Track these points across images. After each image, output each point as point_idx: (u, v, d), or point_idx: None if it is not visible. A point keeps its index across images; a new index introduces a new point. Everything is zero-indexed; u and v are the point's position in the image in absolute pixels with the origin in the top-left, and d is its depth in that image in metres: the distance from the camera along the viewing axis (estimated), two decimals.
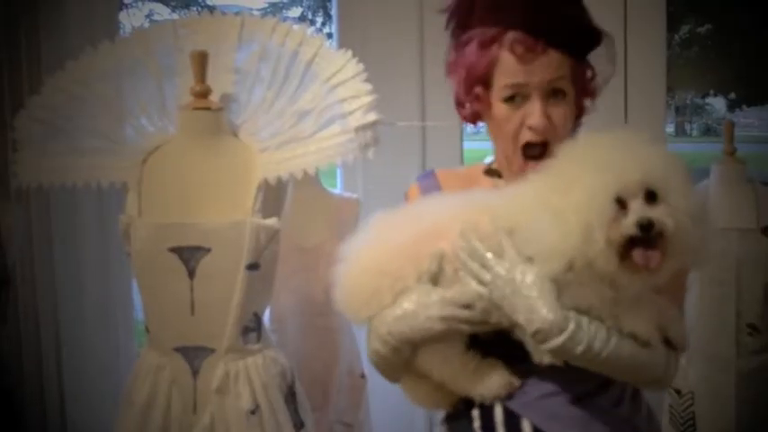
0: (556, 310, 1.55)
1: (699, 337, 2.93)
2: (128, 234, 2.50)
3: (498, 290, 1.59)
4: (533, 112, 1.72)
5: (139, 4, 14.09)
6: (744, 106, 10.96)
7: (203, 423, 2.47)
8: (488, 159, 1.91)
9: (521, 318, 1.57)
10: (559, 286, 1.56)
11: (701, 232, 1.54)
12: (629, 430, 1.77)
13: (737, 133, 3.18)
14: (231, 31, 2.65)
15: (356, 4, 3.77)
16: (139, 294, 2.58)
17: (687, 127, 13.31)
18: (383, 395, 3.50)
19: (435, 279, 1.67)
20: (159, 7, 14.33)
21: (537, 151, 1.73)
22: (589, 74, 1.79)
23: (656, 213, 1.49)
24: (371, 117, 2.42)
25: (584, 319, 1.57)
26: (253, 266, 2.44)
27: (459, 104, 1.87)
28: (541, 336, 1.56)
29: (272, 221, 2.45)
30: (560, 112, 1.73)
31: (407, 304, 1.68)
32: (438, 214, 1.71)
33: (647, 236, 1.49)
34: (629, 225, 1.49)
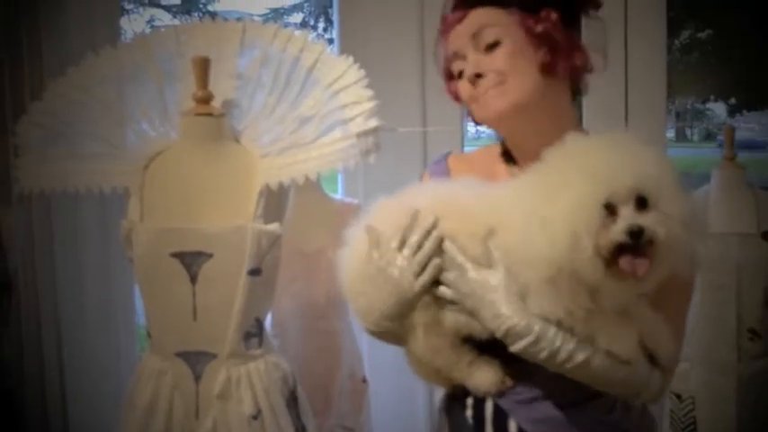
0: (519, 312, 1.58)
1: (699, 341, 2.94)
2: (129, 239, 2.50)
3: (463, 290, 1.63)
4: (467, 66, 1.76)
5: (140, 9, 14.10)
6: (744, 111, 10.95)
7: (205, 428, 2.47)
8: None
9: (489, 323, 1.60)
10: (530, 294, 1.57)
11: (692, 239, 1.52)
12: None
13: (737, 138, 3.19)
14: (233, 37, 2.66)
15: (357, 10, 3.78)
16: (141, 299, 2.59)
17: (688, 132, 13.31)
18: (385, 399, 3.52)
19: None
20: (160, 13, 14.34)
21: (492, 91, 1.73)
22: (539, 27, 1.73)
23: (647, 220, 1.46)
24: (373, 123, 2.43)
25: (552, 329, 1.58)
26: (254, 272, 2.44)
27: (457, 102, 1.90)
28: (507, 338, 1.59)
29: (273, 227, 2.45)
30: (496, 56, 1.73)
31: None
32: (430, 200, 1.71)
33: (637, 243, 1.47)
34: (618, 232, 1.46)
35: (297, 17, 15.47)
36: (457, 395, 1.86)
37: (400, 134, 3.17)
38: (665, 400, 3.09)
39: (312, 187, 3.10)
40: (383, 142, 2.46)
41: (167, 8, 14.41)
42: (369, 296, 1.71)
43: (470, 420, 1.82)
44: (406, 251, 1.67)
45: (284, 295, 3.01)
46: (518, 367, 1.74)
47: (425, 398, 3.72)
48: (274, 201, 2.48)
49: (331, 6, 4.41)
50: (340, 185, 3.82)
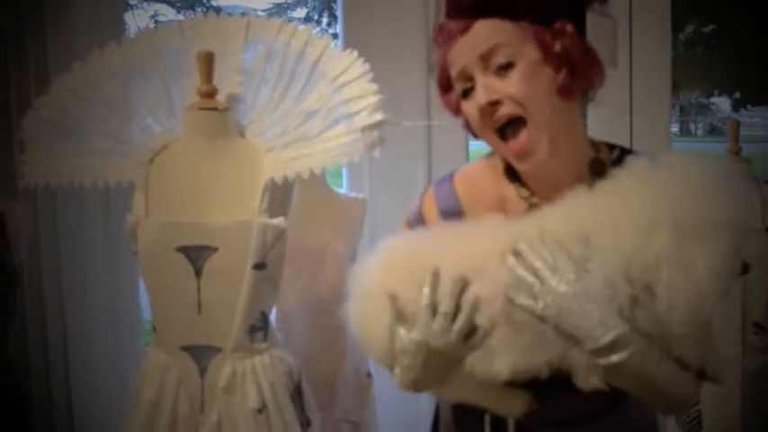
0: (620, 323, 1.48)
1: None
2: (135, 233, 2.51)
3: (554, 306, 1.49)
4: (477, 93, 1.62)
5: (144, 5, 14.11)
6: (749, 106, 10.93)
7: (210, 422, 2.48)
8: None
9: (581, 333, 1.48)
10: (620, 311, 1.49)
11: None
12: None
13: (742, 133, 3.18)
14: (237, 32, 2.66)
15: (361, 5, 3.77)
16: (146, 293, 2.59)
17: (692, 126, 13.30)
18: (389, 394, 3.51)
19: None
20: (164, 8, 14.35)
21: (513, 125, 1.61)
22: (558, 45, 1.60)
23: None
24: (377, 117, 2.42)
25: (641, 337, 1.49)
26: (259, 266, 2.44)
27: (454, 115, 1.78)
28: (606, 350, 1.47)
29: (278, 221, 2.45)
30: (510, 82, 1.58)
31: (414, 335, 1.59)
32: (452, 255, 1.60)
33: None
34: None
35: (300, 12, 15.48)
36: (470, 410, 1.80)
37: (405, 128, 3.17)
38: None
39: (317, 182, 3.10)
40: (388, 136, 2.46)
41: (171, 3, 14.43)
42: (406, 363, 1.62)
43: None
44: (441, 319, 1.53)
45: (289, 290, 3.00)
46: (539, 391, 1.70)
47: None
48: (279, 195, 2.48)
49: (335, 1, 4.41)
50: (345, 180, 3.81)
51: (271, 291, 2.55)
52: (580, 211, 1.55)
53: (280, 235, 2.47)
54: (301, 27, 2.60)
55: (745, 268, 1.51)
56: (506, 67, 1.59)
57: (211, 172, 2.50)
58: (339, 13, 3.91)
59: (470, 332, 1.53)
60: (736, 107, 10.93)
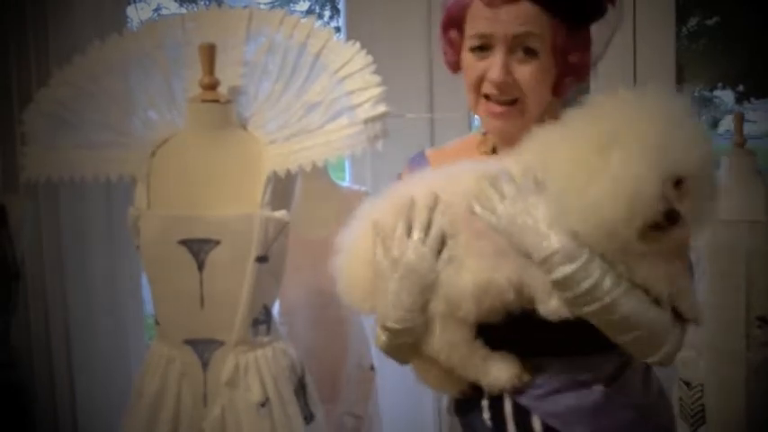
0: (569, 235, 1.53)
1: (708, 329, 2.92)
2: (137, 227, 2.50)
3: (508, 218, 1.57)
4: (494, 66, 1.67)
5: None
6: (752, 98, 10.91)
7: (214, 415, 2.48)
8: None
9: (532, 246, 1.55)
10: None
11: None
12: (639, 417, 1.77)
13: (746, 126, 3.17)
14: (239, 25, 2.65)
15: None
16: (149, 287, 2.59)
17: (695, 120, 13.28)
18: (392, 387, 3.51)
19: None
20: (167, 1, 14.32)
21: (503, 109, 1.70)
22: (575, 56, 1.71)
23: (684, 207, 1.49)
24: (380, 109, 2.41)
25: (597, 257, 1.54)
26: (262, 259, 2.44)
27: (443, 51, 1.83)
28: (553, 262, 1.53)
29: (281, 214, 2.45)
30: (527, 70, 1.67)
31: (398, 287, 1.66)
32: (422, 189, 1.68)
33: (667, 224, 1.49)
34: (659, 213, 1.48)
35: (303, 5, 15.43)
36: (469, 400, 1.82)
37: (408, 120, 3.17)
38: (674, 387, 3.08)
39: (319, 174, 3.10)
40: (390, 129, 2.44)
41: None
42: (388, 293, 1.66)
43: (489, 422, 1.79)
44: (416, 234, 1.64)
45: (291, 283, 3.00)
46: (533, 361, 1.73)
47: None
48: (281, 188, 2.47)
49: None
50: (348, 173, 3.81)
51: (273, 284, 2.54)
52: (545, 144, 1.60)
53: (282, 228, 2.46)
54: (303, 19, 2.58)
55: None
56: (529, 55, 1.66)
57: (213, 165, 2.49)
58: (341, 6, 3.90)
59: (442, 246, 1.63)
60: (740, 100, 10.90)
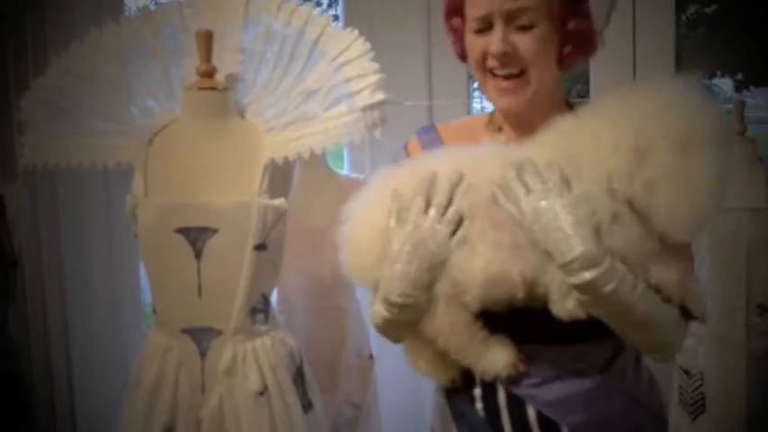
0: (593, 241, 1.52)
1: (708, 317, 2.91)
2: (134, 215, 2.49)
3: (533, 214, 1.56)
4: (493, 40, 1.69)
5: None
6: (751, 87, 10.91)
7: (212, 404, 2.47)
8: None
9: (554, 247, 1.54)
10: (597, 229, 1.54)
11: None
12: (632, 404, 1.77)
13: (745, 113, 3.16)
14: (236, 11, 2.63)
15: None
16: (147, 276, 2.58)
17: None
18: (391, 376, 3.51)
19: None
20: None
21: (510, 83, 1.72)
22: (573, 23, 1.73)
23: None
24: (378, 96, 2.39)
25: (617, 260, 1.53)
26: (260, 247, 2.43)
27: (452, 42, 1.86)
28: (575, 266, 1.52)
29: (279, 202, 2.44)
30: (527, 39, 1.69)
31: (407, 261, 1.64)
32: (447, 166, 1.67)
33: None
34: None
35: None
36: (459, 388, 1.82)
37: (406, 108, 3.16)
38: (674, 375, 3.08)
39: (317, 162, 3.09)
40: (389, 116, 2.43)
41: None
42: (396, 266, 1.64)
43: (482, 413, 1.80)
44: (433, 211, 1.63)
45: (290, 272, 2.99)
46: (528, 350, 1.73)
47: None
48: (280, 176, 2.46)
49: None
50: (346, 161, 3.80)
51: (271, 272, 2.54)
52: (567, 136, 1.62)
53: (280, 216, 2.45)
54: (301, 6, 2.57)
55: None
56: (526, 28, 1.68)
57: (211, 152, 2.48)
58: None
59: (458, 227, 1.62)
60: (739, 88, 10.90)
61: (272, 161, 2.42)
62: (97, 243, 3.67)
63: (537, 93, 1.72)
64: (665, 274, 1.57)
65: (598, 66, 3.44)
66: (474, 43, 1.74)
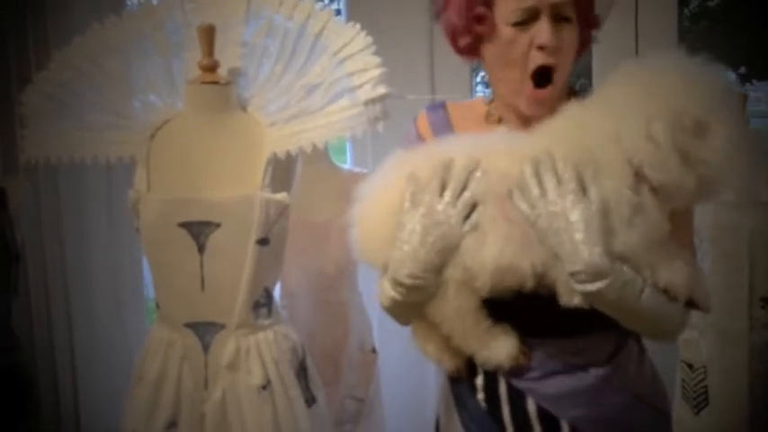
0: (601, 254, 1.52)
1: (711, 310, 2.91)
2: (137, 209, 2.49)
3: (546, 218, 1.56)
4: (543, 31, 1.67)
5: None
6: (754, 80, 10.91)
7: (215, 398, 2.47)
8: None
9: (563, 253, 1.54)
10: (609, 230, 1.54)
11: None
12: (633, 399, 1.78)
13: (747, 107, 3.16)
14: (239, 5, 2.63)
15: None
16: (149, 270, 2.58)
17: None
18: (394, 370, 3.51)
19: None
20: None
21: (546, 79, 1.70)
22: (592, 17, 1.76)
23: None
24: (381, 90, 2.39)
25: (625, 268, 1.54)
26: (263, 241, 2.42)
27: (455, 35, 1.80)
28: (580, 278, 1.53)
29: (281, 196, 2.43)
30: (568, 36, 1.69)
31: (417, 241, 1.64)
32: (462, 154, 1.66)
33: None
34: None
35: None
36: (462, 377, 1.83)
37: (408, 102, 3.14)
38: (677, 369, 3.08)
39: (320, 157, 3.08)
40: (391, 110, 2.43)
41: None
42: (407, 247, 1.64)
43: (483, 404, 1.80)
44: (448, 195, 1.62)
45: (293, 266, 2.99)
46: (530, 343, 1.73)
47: (435, 368, 3.71)
48: (282, 170, 2.46)
49: None
50: (349, 155, 3.80)
51: (274, 267, 2.54)
52: (578, 128, 1.61)
53: (283, 210, 2.45)
54: (303, 0, 2.56)
55: None
56: (566, 20, 1.69)
57: (213, 147, 2.48)
58: None
59: (471, 211, 1.62)
60: (742, 82, 10.90)
61: (275, 155, 2.42)
62: (100, 237, 3.68)
63: (561, 88, 1.72)
64: (674, 277, 1.59)
65: (601, 60, 3.43)
66: (514, 38, 1.69)
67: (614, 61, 1.76)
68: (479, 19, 1.73)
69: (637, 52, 3.62)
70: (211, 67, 2.50)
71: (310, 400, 2.54)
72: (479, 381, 1.80)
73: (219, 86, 2.51)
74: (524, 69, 1.70)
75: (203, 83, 2.50)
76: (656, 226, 1.55)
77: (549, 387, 1.75)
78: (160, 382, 2.53)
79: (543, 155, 1.59)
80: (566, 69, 1.71)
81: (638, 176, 1.54)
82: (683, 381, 3.07)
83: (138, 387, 2.57)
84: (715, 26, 10.48)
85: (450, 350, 1.78)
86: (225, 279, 2.44)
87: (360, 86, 2.40)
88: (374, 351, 3.35)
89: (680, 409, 3.05)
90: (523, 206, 1.58)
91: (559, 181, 1.56)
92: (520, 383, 1.76)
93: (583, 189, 1.55)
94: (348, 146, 3.78)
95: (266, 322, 2.51)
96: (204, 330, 2.49)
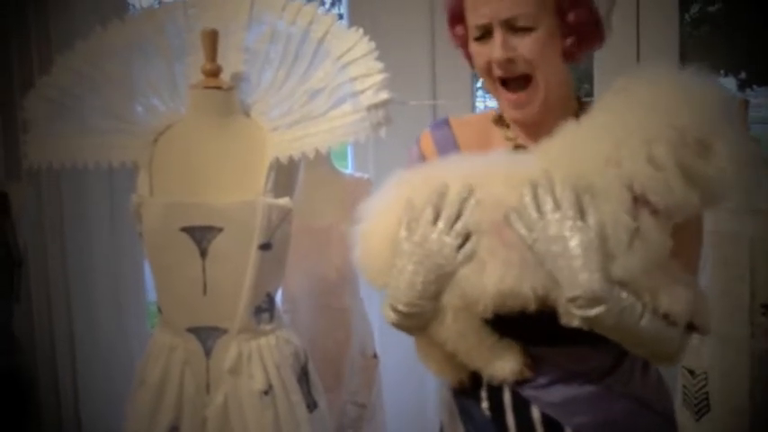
0: (599, 280, 1.52)
1: (712, 317, 2.90)
2: (139, 214, 2.49)
3: (544, 242, 1.55)
4: (494, 46, 1.69)
5: None
6: (754, 86, 10.89)
7: (216, 403, 2.47)
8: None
9: (561, 278, 1.54)
10: (609, 255, 1.53)
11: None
12: (638, 407, 1.77)
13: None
14: (241, 10, 2.63)
15: None
16: (152, 275, 2.58)
17: None
18: (395, 375, 3.51)
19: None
20: None
21: (518, 86, 1.71)
22: (571, 15, 1.71)
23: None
24: (383, 96, 2.40)
25: (624, 294, 1.54)
26: (265, 246, 2.42)
27: (457, 46, 1.86)
28: (578, 303, 1.53)
29: (284, 201, 2.43)
30: (528, 43, 1.68)
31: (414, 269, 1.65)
32: (458, 177, 1.66)
33: None
34: None
35: None
36: (466, 389, 1.83)
37: (410, 108, 3.15)
38: (678, 375, 3.08)
39: (322, 162, 3.09)
40: (393, 115, 2.43)
41: None
42: (404, 275, 1.65)
43: (487, 412, 1.80)
44: (442, 224, 1.62)
45: (295, 271, 2.99)
46: (535, 351, 1.73)
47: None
48: (284, 175, 2.46)
49: None
50: (350, 160, 3.80)
51: (276, 272, 2.54)
52: (574, 151, 1.60)
53: (285, 215, 2.45)
54: (306, 5, 2.57)
55: None
56: (526, 30, 1.68)
57: (216, 152, 2.48)
58: None
59: (465, 240, 1.62)
60: (742, 87, 10.88)
61: (277, 160, 2.42)
62: (101, 241, 3.68)
63: (547, 97, 1.71)
64: (674, 302, 1.58)
65: (602, 64, 3.44)
66: (477, 51, 1.74)
67: (615, 67, 1.76)
68: (459, 38, 1.81)
69: (638, 58, 3.62)
70: (214, 72, 2.50)
71: (312, 406, 2.54)
72: (483, 391, 1.81)
73: (222, 91, 2.51)
74: (492, 78, 1.74)
75: (206, 87, 2.50)
76: (655, 249, 1.54)
77: (554, 394, 1.74)
78: (162, 386, 2.53)
79: (542, 178, 1.59)
80: (548, 76, 1.71)
81: (638, 200, 1.53)
82: (685, 387, 3.07)
83: (139, 391, 2.57)
84: (716, 31, 10.47)
85: (452, 364, 1.78)
86: (227, 284, 2.44)
87: (362, 92, 2.40)
88: (375, 356, 3.35)
89: (681, 416, 3.05)
90: (522, 229, 1.58)
91: (557, 205, 1.56)
92: (524, 392, 1.76)
93: (581, 213, 1.55)
94: (349, 151, 3.78)
95: (268, 327, 2.51)
96: (206, 335, 2.49)
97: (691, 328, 1.65)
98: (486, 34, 1.71)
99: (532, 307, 1.59)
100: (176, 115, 2.58)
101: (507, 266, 1.59)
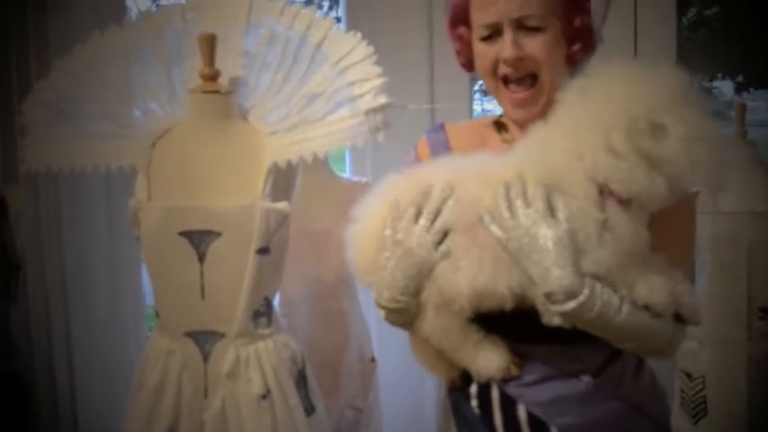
0: (571, 274, 1.54)
1: (710, 320, 2.91)
2: (137, 218, 2.49)
3: (517, 240, 1.57)
4: (504, 45, 1.71)
5: None
6: (751, 89, 10.91)
7: (214, 407, 2.47)
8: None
9: (535, 275, 1.56)
10: (579, 250, 1.55)
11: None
12: (629, 409, 1.77)
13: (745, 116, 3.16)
14: (239, 15, 2.63)
15: None
16: (149, 279, 2.58)
17: None
18: (393, 379, 3.51)
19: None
20: None
21: (523, 86, 1.74)
22: (578, 20, 1.75)
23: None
24: (381, 100, 2.40)
25: (598, 286, 1.56)
26: (263, 250, 2.43)
27: (456, 54, 1.88)
28: (553, 298, 1.55)
29: (282, 205, 2.44)
30: (537, 44, 1.71)
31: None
32: (441, 178, 1.69)
33: None
34: None
35: None
36: (458, 386, 1.85)
37: (408, 112, 3.15)
38: (675, 378, 3.08)
39: (320, 166, 3.09)
40: (391, 120, 2.43)
41: None
42: (387, 271, 1.69)
43: (477, 411, 1.82)
44: (423, 221, 1.66)
45: (293, 275, 2.99)
46: (522, 349, 1.74)
47: (434, 378, 3.71)
48: (282, 179, 2.46)
49: None
50: (348, 165, 3.80)
51: (274, 276, 2.54)
52: (540, 150, 1.62)
53: (283, 219, 2.45)
54: (304, 9, 2.57)
55: None
56: (535, 30, 1.71)
57: (214, 156, 2.48)
58: None
59: (444, 238, 1.65)
60: (739, 90, 10.91)
61: (275, 165, 2.43)
62: (99, 245, 3.67)
63: (548, 99, 1.72)
64: (652, 295, 1.58)
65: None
66: (483, 51, 1.76)
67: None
68: (461, 38, 1.82)
69: None
70: (212, 77, 2.50)
71: (310, 410, 2.54)
72: (473, 388, 1.82)
73: (220, 95, 2.51)
74: (495, 78, 1.76)
75: (204, 92, 2.51)
76: (627, 241, 1.55)
77: (540, 393, 1.75)
78: (160, 389, 2.53)
79: (514, 178, 1.61)
80: (552, 77, 1.73)
81: (603, 192, 1.55)
82: (682, 390, 3.06)
83: (137, 395, 2.57)
84: (713, 35, 10.49)
85: (444, 361, 1.80)
86: (225, 288, 2.45)
87: (361, 96, 2.41)
88: (373, 360, 3.35)
89: (678, 419, 3.05)
90: (497, 231, 1.60)
91: (528, 204, 1.58)
92: (511, 389, 1.77)
93: (552, 210, 1.57)
94: (347, 155, 3.78)
95: (266, 331, 2.51)
96: (204, 339, 2.49)
97: (681, 321, 1.65)
98: (494, 34, 1.73)
99: (510, 305, 1.62)
100: (174, 119, 2.58)
101: (480, 265, 1.62)
